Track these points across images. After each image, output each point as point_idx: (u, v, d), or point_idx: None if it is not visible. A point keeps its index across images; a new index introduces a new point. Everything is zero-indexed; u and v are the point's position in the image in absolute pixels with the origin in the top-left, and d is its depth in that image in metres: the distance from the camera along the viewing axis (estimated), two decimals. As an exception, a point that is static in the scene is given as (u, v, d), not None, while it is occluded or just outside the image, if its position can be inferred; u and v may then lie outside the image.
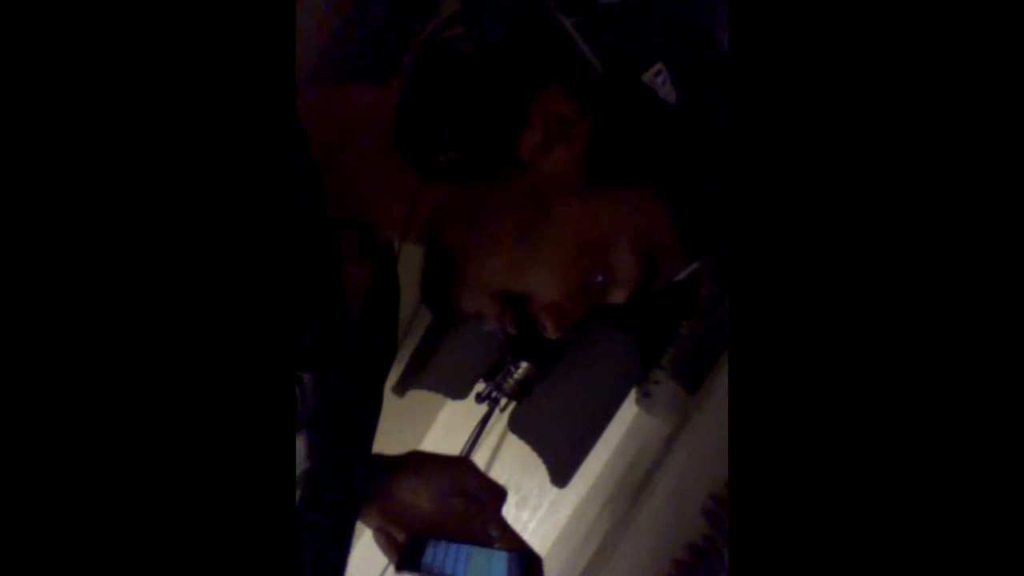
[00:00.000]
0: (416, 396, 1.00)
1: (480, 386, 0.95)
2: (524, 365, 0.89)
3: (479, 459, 1.15)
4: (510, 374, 0.91)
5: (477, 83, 0.49)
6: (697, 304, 0.81)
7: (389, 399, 0.72)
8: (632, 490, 0.85)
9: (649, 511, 0.75)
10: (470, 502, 0.66)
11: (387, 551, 0.65)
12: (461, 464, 0.70)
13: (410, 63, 0.50)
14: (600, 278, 0.54)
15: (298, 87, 0.46)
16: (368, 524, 0.68)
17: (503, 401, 0.98)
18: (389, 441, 0.72)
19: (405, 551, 0.62)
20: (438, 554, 0.61)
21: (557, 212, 0.52)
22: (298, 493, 0.55)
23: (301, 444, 0.53)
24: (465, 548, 0.62)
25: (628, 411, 0.93)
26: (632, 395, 0.90)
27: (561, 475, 0.95)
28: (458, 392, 0.96)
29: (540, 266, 0.53)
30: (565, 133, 0.50)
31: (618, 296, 0.56)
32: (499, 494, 0.68)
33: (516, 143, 0.50)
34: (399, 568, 0.60)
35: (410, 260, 0.58)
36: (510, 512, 0.98)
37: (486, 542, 0.65)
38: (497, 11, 0.49)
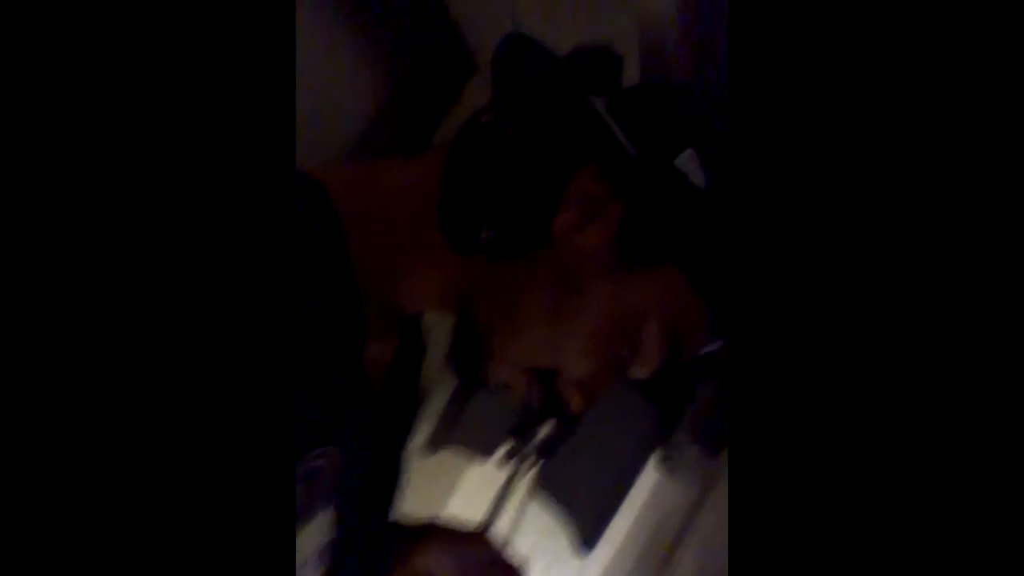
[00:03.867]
0: (442, 456, 1.02)
1: (508, 444, 0.96)
2: (549, 423, 0.91)
3: (505, 522, 1.15)
4: (536, 432, 0.93)
5: (516, 165, 0.52)
6: (715, 366, 0.83)
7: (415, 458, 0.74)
8: (659, 558, 0.85)
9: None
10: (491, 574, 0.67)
11: None
12: (480, 540, 0.71)
13: (453, 144, 0.54)
14: (625, 355, 0.56)
15: (333, 164, 0.48)
16: None
17: (529, 460, 0.99)
18: (416, 501, 0.74)
19: None
20: None
21: (588, 291, 0.53)
22: (322, 567, 0.56)
23: (327, 517, 0.55)
24: None
25: (651, 475, 0.93)
26: (656, 458, 0.90)
27: (586, 540, 0.95)
28: (487, 448, 0.98)
29: (570, 343, 0.54)
30: (598, 213, 0.52)
31: (643, 372, 0.58)
32: (515, 571, 0.68)
33: (551, 223, 0.53)
34: None
35: (438, 327, 0.60)
36: (536, 577, 0.98)
37: None
38: (532, 95, 0.52)
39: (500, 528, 1.20)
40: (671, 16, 0.60)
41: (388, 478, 0.67)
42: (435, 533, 0.69)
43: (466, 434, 0.98)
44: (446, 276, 0.55)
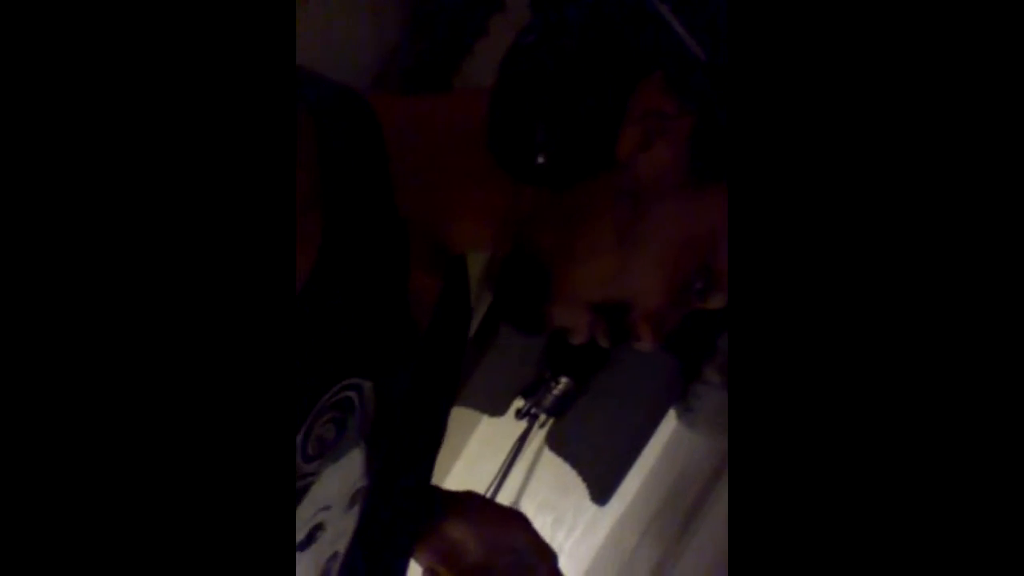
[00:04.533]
0: (453, 412, 1.00)
1: (519, 403, 0.95)
2: (563, 381, 0.89)
3: (515, 478, 1.14)
4: (549, 390, 0.91)
5: (573, 80, 0.47)
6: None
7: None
8: (677, 518, 0.84)
9: (707, 535, 0.74)
10: (520, 560, 0.63)
11: None
12: (517, 519, 0.66)
13: (503, 63, 0.49)
14: (700, 284, 0.50)
15: (372, 90, 0.45)
16: (418, 561, 0.66)
17: (542, 418, 0.98)
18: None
19: None
20: None
21: (657, 212, 0.49)
22: (352, 514, 0.54)
23: (359, 457, 0.51)
24: None
25: (666, 429, 0.92)
26: (676, 410, 0.89)
27: (601, 492, 0.95)
28: (497, 409, 0.96)
29: (641, 271, 0.50)
30: (665, 129, 0.47)
31: (718, 300, 0.52)
32: (550, 555, 0.67)
33: (613, 142, 0.48)
34: None
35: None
36: (546, 532, 0.97)
37: None
38: (595, 11, 0.47)
39: (512, 483, 1.20)
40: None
41: (430, 432, 0.63)
42: (470, 506, 0.66)
43: (476, 394, 0.96)
44: (498, 209, 0.50)
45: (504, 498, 1.18)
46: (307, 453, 0.46)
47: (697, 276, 0.50)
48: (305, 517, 0.48)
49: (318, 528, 0.50)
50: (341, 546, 0.53)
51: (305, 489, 0.47)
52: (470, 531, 0.62)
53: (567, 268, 0.50)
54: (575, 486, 0.95)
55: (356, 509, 0.53)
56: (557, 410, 0.90)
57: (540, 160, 0.47)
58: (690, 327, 0.85)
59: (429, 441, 0.62)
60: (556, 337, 0.72)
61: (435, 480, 0.68)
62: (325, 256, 0.43)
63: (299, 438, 0.45)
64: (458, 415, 1.01)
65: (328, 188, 0.44)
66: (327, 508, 0.50)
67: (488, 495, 1.04)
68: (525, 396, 0.89)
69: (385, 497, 0.55)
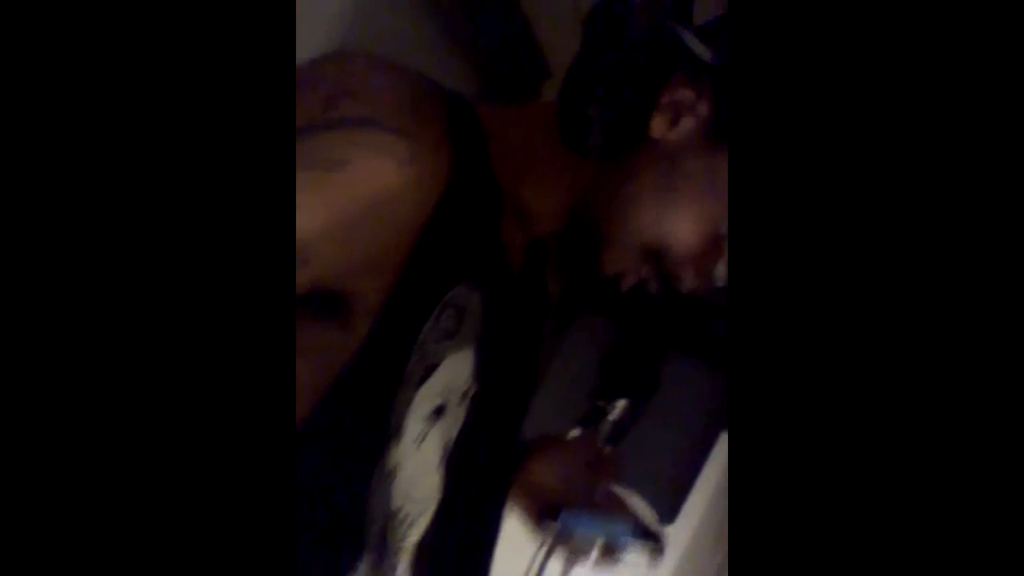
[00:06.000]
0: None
1: (575, 432, 0.97)
2: (620, 405, 0.92)
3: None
4: (606, 416, 0.93)
5: (618, 80, 0.61)
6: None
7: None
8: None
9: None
10: (590, 471, 0.80)
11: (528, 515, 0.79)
12: (579, 444, 0.84)
13: (566, 73, 0.63)
14: (725, 229, 0.62)
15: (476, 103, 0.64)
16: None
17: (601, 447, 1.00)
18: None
19: (543, 513, 0.77)
20: (570, 519, 0.75)
21: (687, 167, 0.61)
22: (464, 410, 0.64)
23: (471, 357, 0.62)
24: (591, 516, 0.76)
25: (724, 444, 0.94)
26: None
27: (667, 512, 0.96)
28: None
29: (675, 216, 0.62)
30: (689, 109, 0.61)
31: None
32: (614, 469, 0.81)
33: (647, 126, 0.62)
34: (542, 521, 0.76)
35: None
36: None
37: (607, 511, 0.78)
38: (630, 34, 0.62)
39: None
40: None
41: (523, 373, 0.76)
42: (544, 445, 0.82)
43: (532, 427, 0.98)
44: (563, 180, 0.64)
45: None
46: (436, 337, 0.58)
47: (725, 224, 0.62)
48: (433, 393, 0.59)
49: (443, 408, 0.61)
50: (452, 434, 0.63)
51: (434, 367, 0.58)
52: (547, 467, 0.80)
53: (617, 217, 0.63)
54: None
55: (466, 405, 0.64)
56: (615, 437, 0.92)
57: (592, 140, 0.62)
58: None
59: (522, 382, 0.77)
60: (609, 363, 0.79)
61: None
62: (452, 185, 0.56)
63: (430, 323, 0.57)
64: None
65: (453, 141, 0.57)
66: (449, 392, 0.61)
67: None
68: (583, 425, 0.92)
69: (488, 409, 0.66)
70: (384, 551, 0.61)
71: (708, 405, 0.89)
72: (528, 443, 0.81)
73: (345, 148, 0.50)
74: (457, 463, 0.65)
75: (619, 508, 0.80)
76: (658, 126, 0.62)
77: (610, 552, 0.77)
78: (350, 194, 0.51)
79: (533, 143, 0.65)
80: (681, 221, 0.62)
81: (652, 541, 0.77)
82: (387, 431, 0.57)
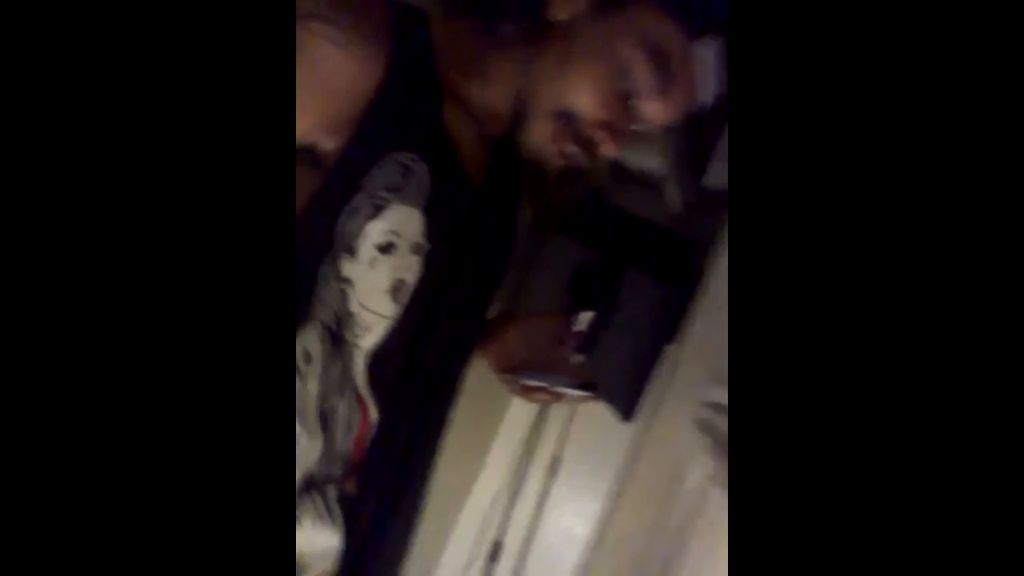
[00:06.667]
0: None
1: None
2: (587, 318, 1.08)
3: (551, 427, 1.32)
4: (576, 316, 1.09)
5: None
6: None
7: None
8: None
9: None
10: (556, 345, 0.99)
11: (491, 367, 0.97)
12: (548, 318, 1.04)
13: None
14: (627, 86, 0.73)
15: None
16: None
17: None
18: (467, 408, 0.91)
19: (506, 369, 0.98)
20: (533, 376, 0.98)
21: (579, 36, 0.73)
22: (418, 263, 0.73)
23: (418, 218, 0.72)
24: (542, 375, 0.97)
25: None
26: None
27: (625, 415, 1.13)
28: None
29: (575, 80, 0.73)
30: None
31: (654, 111, 0.76)
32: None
33: (545, 11, 0.74)
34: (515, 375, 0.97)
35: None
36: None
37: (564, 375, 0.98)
38: None
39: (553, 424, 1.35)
40: None
41: (497, 248, 0.87)
42: (513, 319, 0.99)
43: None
44: (504, 77, 0.76)
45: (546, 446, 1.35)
46: (381, 183, 0.68)
47: (619, 80, 0.73)
48: (381, 230, 0.69)
49: (392, 245, 0.70)
50: (409, 277, 0.73)
51: (381, 207, 0.68)
52: (514, 335, 0.99)
53: (531, 93, 0.74)
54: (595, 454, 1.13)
55: (420, 260, 0.73)
56: (585, 347, 1.08)
57: (503, 30, 0.75)
58: (676, 260, 1.05)
59: (491, 263, 0.87)
60: (577, 279, 0.95)
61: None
62: (392, 71, 0.67)
63: (375, 169, 0.68)
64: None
65: (395, 36, 0.68)
66: (396, 235, 0.71)
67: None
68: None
69: (452, 272, 0.77)
70: (341, 342, 0.72)
71: (660, 316, 1.05)
72: (507, 313, 0.98)
73: (299, 35, 0.63)
74: (422, 313, 0.75)
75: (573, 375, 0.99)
76: (554, 9, 0.74)
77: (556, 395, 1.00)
78: (307, 71, 0.63)
79: (476, 45, 0.77)
80: (580, 83, 0.73)
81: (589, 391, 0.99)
82: (342, 245, 0.68)
